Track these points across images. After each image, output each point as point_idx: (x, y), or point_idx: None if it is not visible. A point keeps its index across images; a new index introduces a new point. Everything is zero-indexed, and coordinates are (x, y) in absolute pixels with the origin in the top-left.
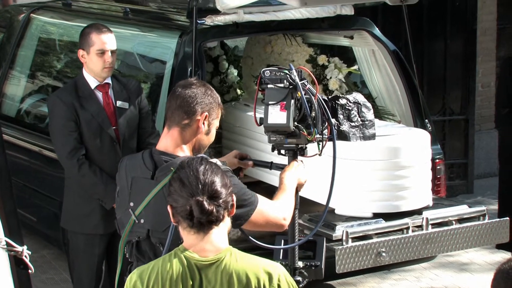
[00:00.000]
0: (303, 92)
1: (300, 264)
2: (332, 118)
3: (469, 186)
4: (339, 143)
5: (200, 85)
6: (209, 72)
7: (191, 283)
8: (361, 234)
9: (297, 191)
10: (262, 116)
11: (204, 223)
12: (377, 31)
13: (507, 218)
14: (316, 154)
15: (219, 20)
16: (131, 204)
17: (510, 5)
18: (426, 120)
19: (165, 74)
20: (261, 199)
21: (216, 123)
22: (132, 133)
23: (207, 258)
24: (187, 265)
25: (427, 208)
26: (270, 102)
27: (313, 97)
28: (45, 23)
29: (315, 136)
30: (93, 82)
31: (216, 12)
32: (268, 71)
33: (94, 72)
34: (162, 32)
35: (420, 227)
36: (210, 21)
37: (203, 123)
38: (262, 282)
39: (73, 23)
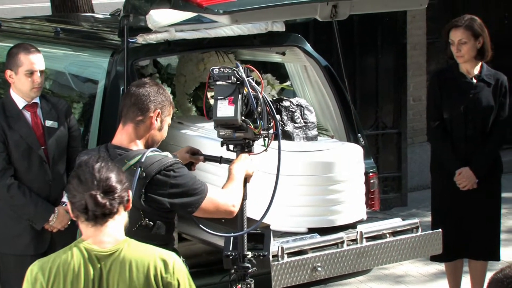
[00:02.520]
0: (249, 88)
1: (249, 253)
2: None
3: (403, 198)
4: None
5: (153, 84)
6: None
7: (92, 274)
8: (296, 250)
9: (245, 182)
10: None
11: (98, 215)
12: (308, 47)
13: (440, 230)
14: (263, 151)
15: (151, 38)
16: None
17: (439, 19)
18: (359, 135)
19: (98, 93)
20: (211, 188)
21: (168, 120)
22: (62, 153)
23: (106, 249)
24: (88, 257)
25: (361, 222)
26: (219, 97)
27: (259, 93)
28: None
29: (261, 131)
30: (21, 102)
31: (147, 30)
32: (217, 69)
33: (22, 92)
34: (94, 51)
35: (354, 241)
36: (141, 39)
37: (156, 120)
38: (159, 269)
39: (4, 43)
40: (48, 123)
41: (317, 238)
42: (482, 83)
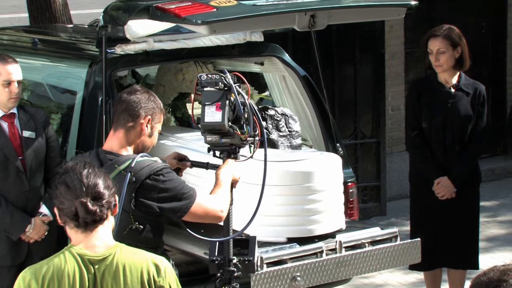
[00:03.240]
0: (237, 94)
1: (234, 258)
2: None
3: (382, 208)
4: (257, 166)
5: (144, 91)
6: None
7: (87, 277)
8: (276, 259)
9: (232, 187)
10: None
11: (89, 222)
12: (287, 57)
13: (419, 239)
14: (249, 158)
15: (129, 49)
16: None
17: (416, 29)
18: (338, 144)
19: (76, 104)
20: (200, 193)
21: (158, 127)
22: (39, 164)
23: (99, 254)
24: (81, 261)
25: (340, 231)
26: (206, 103)
27: (246, 100)
28: None
29: (248, 138)
30: None
31: (126, 41)
32: (205, 75)
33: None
34: (72, 62)
35: (334, 250)
36: (120, 50)
37: (147, 126)
38: (152, 273)
39: None
40: (26, 133)
41: (296, 248)
42: (461, 92)
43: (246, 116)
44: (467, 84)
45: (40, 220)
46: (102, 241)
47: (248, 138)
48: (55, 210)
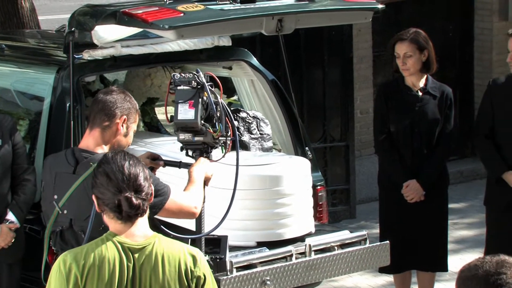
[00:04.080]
0: (209, 92)
1: (207, 256)
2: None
3: (352, 211)
4: (226, 171)
5: (120, 92)
6: (89, 106)
7: (126, 265)
8: (245, 264)
9: (205, 185)
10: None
11: (132, 215)
12: (255, 61)
13: (387, 241)
14: (221, 157)
15: (97, 54)
16: (55, 196)
17: (384, 33)
18: (307, 148)
19: (44, 110)
20: (174, 190)
21: (134, 127)
22: (6, 171)
23: (139, 243)
24: (122, 249)
25: (309, 235)
26: (179, 101)
27: (218, 98)
28: None
29: (220, 137)
30: None
31: (93, 46)
32: (178, 74)
33: None
34: (39, 68)
35: (303, 254)
36: (87, 55)
37: (122, 126)
38: (189, 264)
39: None
40: None
41: (266, 252)
42: (428, 95)
43: (218, 115)
44: (434, 87)
45: (7, 227)
46: (141, 230)
47: (220, 138)
48: (93, 198)
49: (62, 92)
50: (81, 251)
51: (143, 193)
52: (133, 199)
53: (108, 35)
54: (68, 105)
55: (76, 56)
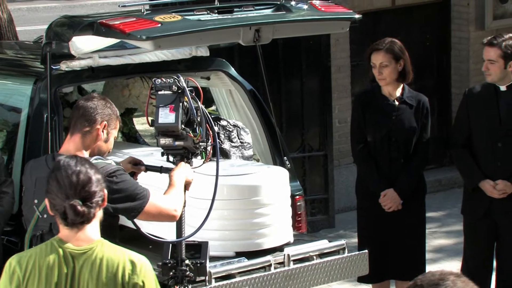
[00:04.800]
0: (190, 97)
1: (187, 261)
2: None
3: (331, 220)
4: (204, 181)
5: (100, 98)
6: (67, 117)
7: (65, 270)
8: (224, 274)
9: (185, 189)
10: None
11: (77, 223)
12: (233, 71)
13: (366, 251)
14: (202, 164)
15: (74, 65)
16: (35, 201)
17: (362, 42)
18: (285, 158)
19: (21, 121)
20: (153, 193)
21: (114, 133)
22: None
23: (80, 248)
24: (62, 254)
25: (288, 244)
26: (160, 105)
27: (198, 103)
28: None
29: (200, 142)
30: None
31: (71, 57)
32: (159, 80)
33: None
34: (17, 79)
35: (282, 263)
36: (65, 66)
37: (103, 131)
38: (127, 270)
39: None
40: None
41: (245, 262)
42: (404, 105)
43: (199, 119)
44: (411, 97)
45: None
46: (87, 236)
47: (200, 143)
48: (46, 201)
49: (40, 103)
50: (26, 255)
51: (92, 200)
52: (78, 207)
53: (86, 46)
54: (45, 116)
55: (54, 67)
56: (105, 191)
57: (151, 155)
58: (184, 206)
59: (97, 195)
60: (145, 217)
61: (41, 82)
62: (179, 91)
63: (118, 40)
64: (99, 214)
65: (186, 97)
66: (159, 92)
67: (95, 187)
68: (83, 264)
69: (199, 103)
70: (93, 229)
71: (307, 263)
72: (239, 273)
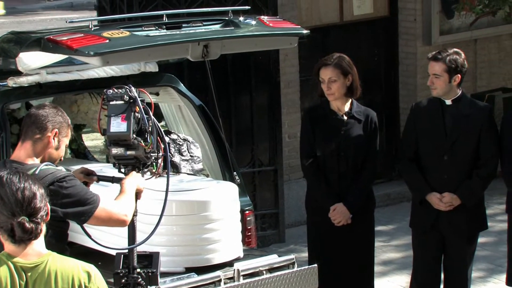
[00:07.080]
0: (141, 106)
1: (138, 269)
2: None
3: (281, 235)
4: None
5: (51, 107)
6: (15, 134)
7: (19, 283)
8: None
9: (136, 198)
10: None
11: (25, 239)
12: (182, 86)
13: (315, 265)
14: (153, 175)
15: (22, 81)
16: None
17: (311, 57)
18: (235, 173)
19: None
20: (104, 198)
21: (66, 141)
22: None
23: (31, 261)
24: (14, 268)
25: (238, 259)
26: (112, 114)
27: (150, 113)
28: None
29: (151, 153)
30: None
31: (18, 73)
32: (111, 90)
33: None
34: None
35: (232, 279)
36: (12, 82)
37: (54, 139)
38: (83, 280)
39: None
40: None
41: (195, 278)
42: (353, 119)
43: (150, 129)
44: (359, 111)
45: None
46: (35, 250)
47: (151, 154)
48: None
49: None
50: None
51: (38, 216)
52: (26, 224)
53: (33, 62)
54: None
55: (1, 84)
56: (48, 206)
57: (100, 171)
58: (135, 215)
59: (42, 210)
60: (96, 222)
61: None
62: (131, 100)
63: (66, 56)
64: (44, 227)
65: (137, 107)
66: (111, 102)
67: (39, 202)
68: (37, 278)
69: (150, 113)
70: (40, 243)
71: (257, 278)
72: None
